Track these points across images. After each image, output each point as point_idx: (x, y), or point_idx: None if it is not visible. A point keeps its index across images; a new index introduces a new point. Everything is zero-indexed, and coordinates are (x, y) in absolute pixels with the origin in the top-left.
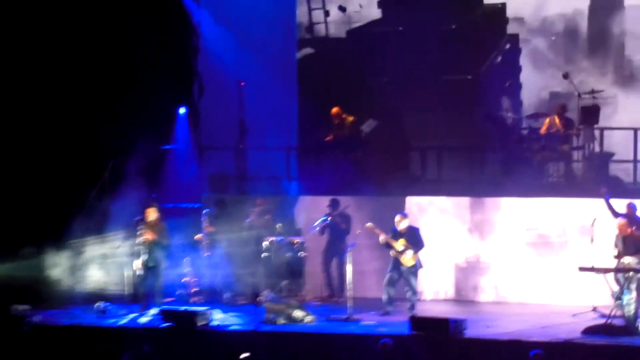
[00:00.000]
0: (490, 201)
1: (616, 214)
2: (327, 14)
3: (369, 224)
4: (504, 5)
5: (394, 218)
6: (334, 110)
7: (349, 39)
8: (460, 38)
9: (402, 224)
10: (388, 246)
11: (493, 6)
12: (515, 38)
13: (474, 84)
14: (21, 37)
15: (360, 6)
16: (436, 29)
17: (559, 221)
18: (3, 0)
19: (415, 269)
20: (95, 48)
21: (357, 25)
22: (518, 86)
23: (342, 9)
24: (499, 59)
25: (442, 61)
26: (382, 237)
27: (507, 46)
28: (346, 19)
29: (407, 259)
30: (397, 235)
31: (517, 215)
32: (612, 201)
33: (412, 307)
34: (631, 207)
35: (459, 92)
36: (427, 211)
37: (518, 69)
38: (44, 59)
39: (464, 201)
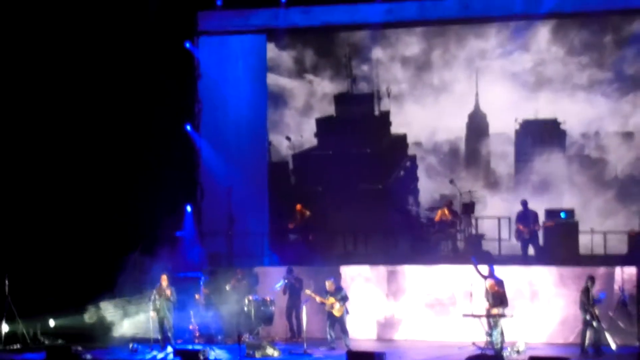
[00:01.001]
0: (401, 269)
1: (482, 275)
2: (288, 139)
3: (307, 291)
4: (405, 135)
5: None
6: (298, 206)
7: (295, 160)
8: (373, 159)
9: (330, 287)
10: (323, 304)
11: (397, 135)
12: (413, 158)
13: (383, 191)
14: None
15: (301, 136)
16: (356, 153)
17: (449, 286)
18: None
19: (343, 317)
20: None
21: (299, 150)
22: (417, 191)
23: (288, 138)
24: (402, 173)
25: (360, 175)
26: (317, 299)
27: (408, 164)
28: (291, 146)
29: (337, 310)
30: (328, 294)
31: (420, 281)
32: (481, 266)
33: (347, 344)
34: (491, 269)
35: (374, 197)
36: (355, 280)
37: (416, 179)
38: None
39: (383, 271)
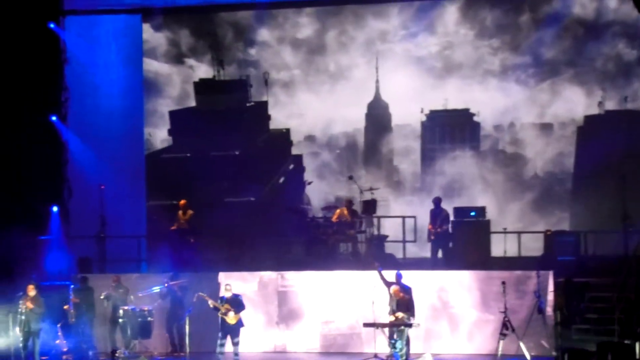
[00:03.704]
0: (292, 276)
1: (387, 283)
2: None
3: (200, 293)
4: (288, 130)
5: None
6: (182, 201)
7: (148, 162)
8: (244, 164)
9: (227, 292)
10: (216, 309)
11: (278, 131)
12: (299, 158)
13: (256, 205)
14: None
15: (150, 134)
16: (221, 156)
17: (349, 294)
18: None
19: (237, 326)
20: None
21: (151, 150)
22: (303, 198)
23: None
24: (282, 179)
25: (226, 186)
26: (210, 303)
27: (291, 167)
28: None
29: (230, 319)
30: (223, 301)
31: (316, 289)
32: (386, 272)
33: (235, 354)
34: (398, 276)
35: (243, 213)
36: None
37: (302, 185)
38: None
39: (274, 275)
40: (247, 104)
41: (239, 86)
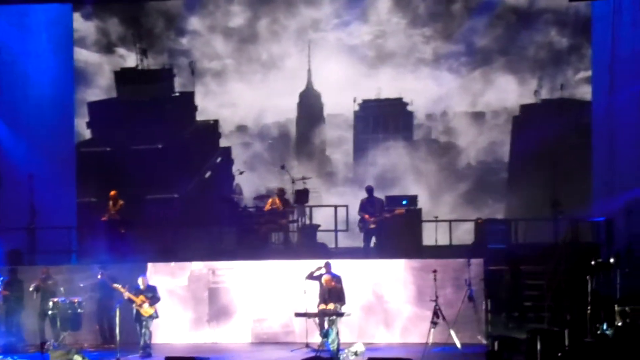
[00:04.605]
0: (225, 264)
1: (317, 277)
2: None
3: (115, 285)
4: (216, 121)
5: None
6: (112, 192)
7: (77, 153)
8: (167, 157)
9: (142, 284)
10: (131, 301)
11: (205, 123)
12: (227, 150)
13: (181, 201)
14: None
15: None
16: (143, 150)
17: (280, 283)
18: None
19: (151, 317)
20: None
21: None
22: (233, 191)
23: None
24: (208, 174)
25: (149, 180)
26: (125, 294)
27: (219, 160)
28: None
29: (145, 310)
30: (138, 292)
31: (247, 278)
32: (316, 262)
33: (146, 347)
34: (328, 266)
35: (166, 209)
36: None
37: (231, 179)
38: None
39: (205, 270)
40: (172, 95)
41: (163, 76)
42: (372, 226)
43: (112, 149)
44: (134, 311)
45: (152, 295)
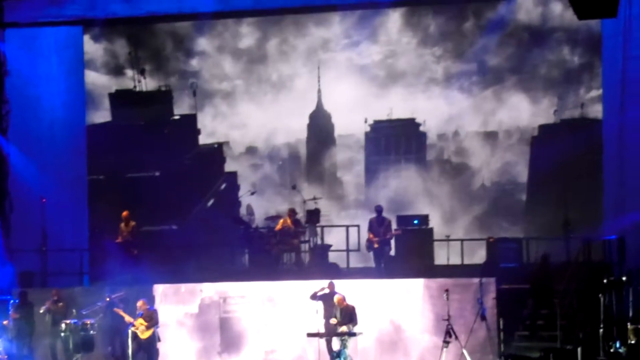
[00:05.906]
0: (236, 292)
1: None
2: None
3: (115, 309)
4: (220, 145)
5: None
6: (125, 212)
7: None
8: (165, 185)
9: (141, 307)
10: (131, 324)
11: (208, 147)
12: (232, 175)
13: (181, 233)
14: None
15: None
16: (138, 178)
17: (292, 304)
18: None
19: (149, 340)
20: None
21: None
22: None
23: None
24: (211, 202)
25: (149, 210)
26: (125, 318)
27: (224, 186)
28: None
29: (142, 333)
30: (139, 317)
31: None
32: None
33: None
34: (332, 285)
35: (167, 241)
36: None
37: (236, 205)
38: None
39: (215, 298)
40: (171, 118)
41: (161, 98)
42: (376, 246)
43: (104, 177)
44: (131, 334)
45: (150, 318)
